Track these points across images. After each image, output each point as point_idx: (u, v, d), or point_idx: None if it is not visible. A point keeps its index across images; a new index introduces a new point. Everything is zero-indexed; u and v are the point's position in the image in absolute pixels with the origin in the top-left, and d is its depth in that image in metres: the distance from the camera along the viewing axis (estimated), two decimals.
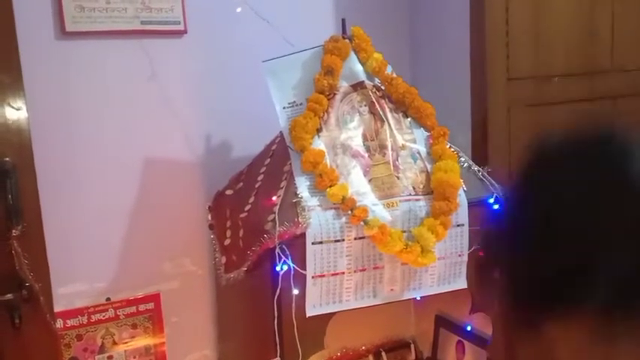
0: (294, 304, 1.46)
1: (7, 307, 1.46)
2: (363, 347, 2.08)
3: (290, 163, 1.56)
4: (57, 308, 1.67)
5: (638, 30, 2.13)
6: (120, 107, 1.80)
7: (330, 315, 1.53)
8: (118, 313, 1.84)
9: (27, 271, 1.47)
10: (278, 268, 1.44)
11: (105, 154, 1.80)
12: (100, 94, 1.78)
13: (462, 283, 1.66)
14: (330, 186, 1.50)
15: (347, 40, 1.68)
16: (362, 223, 1.49)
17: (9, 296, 1.45)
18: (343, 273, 1.52)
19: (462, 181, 1.62)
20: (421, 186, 1.61)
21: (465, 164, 1.71)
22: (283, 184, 1.54)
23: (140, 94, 1.82)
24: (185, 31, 1.84)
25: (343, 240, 1.50)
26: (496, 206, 1.66)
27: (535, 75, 1.95)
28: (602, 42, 2.06)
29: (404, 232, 1.54)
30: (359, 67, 1.69)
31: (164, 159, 1.87)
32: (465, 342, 1.90)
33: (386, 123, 1.64)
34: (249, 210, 1.60)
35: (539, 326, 0.81)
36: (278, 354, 1.49)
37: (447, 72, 2.08)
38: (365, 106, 1.64)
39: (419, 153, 1.66)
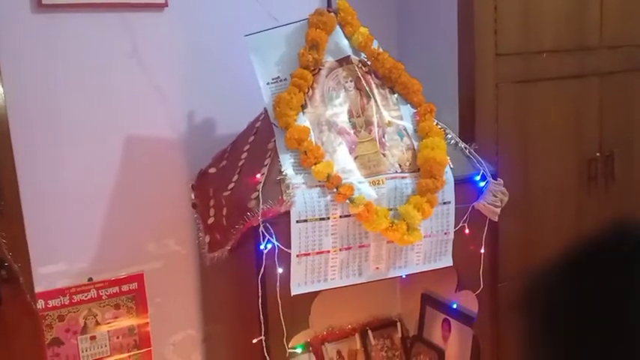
0: (278, 283, 1.45)
1: None
2: (349, 326, 2.08)
3: (274, 141, 1.53)
4: (38, 289, 1.65)
5: (626, 7, 2.11)
6: (100, 83, 1.76)
7: (315, 294, 1.52)
8: (101, 294, 1.81)
9: (5, 251, 1.43)
10: (262, 247, 1.42)
11: (85, 131, 1.76)
12: (79, 70, 1.73)
13: (447, 261, 1.65)
14: (315, 163, 1.47)
15: (332, 14, 1.65)
16: (347, 201, 1.47)
17: None
18: (328, 251, 1.50)
19: (448, 158, 1.60)
20: (407, 163, 1.60)
21: (452, 141, 1.69)
22: (267, 161, 1.51)
23: (120, 70, 1.78)
24: (166, 4, 1.79)
25: (328, 218, 1.48)
26: (482, 183, 1.65)
27: (523, 51, 1.92)
28: (591, 18, 2.03)
29: (390, 210, 1.52)
30: (345, 42, 1.66)
31: (146, 137, 1.84)
32: (451, 320, 1.90)
33: (372, 99, 1.61)
34: (233, 188, 1.58)
35: None
36: (262, 332, 1.47)
37: (434, 48, 2.05)
38: (351, 81, 1.62)
39: (405, 130, 1.64)
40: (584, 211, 2.12)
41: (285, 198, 1.43)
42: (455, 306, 1.87)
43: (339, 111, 1.58)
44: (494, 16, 1.87)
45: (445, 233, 1.63)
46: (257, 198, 1.43)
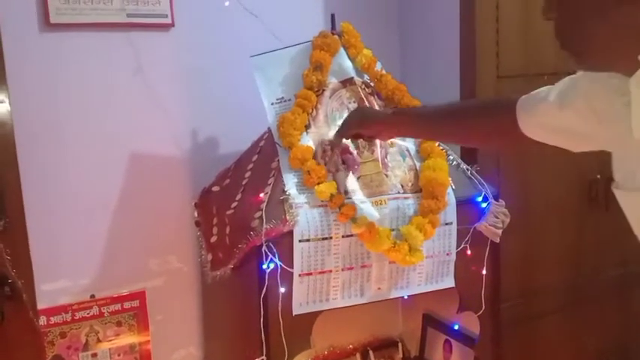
0: (280, 303, 1.45)
1: None
2: (351, 346, 2.07)
3: (278, 160, 1.54)
4: (40, 305, 1.64)
5: None
6: (105, 101, 1.78)
7: (317, 313, 1.52)
8: (103, 311, 1.81)
9: (9, 268, 1.44)
10: (265, 266, 1.43)
11: (90, 149, 1.77)
12: (86, 88, 1.75)
13: (449, 282, 1.65)
14: (318, 183, 1.48)
15: (336, 36, 1.67)
16: (350, 221, 1.47)
17: None
18: (330, 271, 1.50)
19: (450, 179, 1.61)
20: (410, 184, 1.60)
21: (454, 162, 1.70)
22: (271, 180, 1.52)
23: (126, 89, 1.80)
24: (172, 25, 1.82)
25: (331, 238, 1.49)
26: (484, 205, 1.66)
27: (525, 73, 1.94)
28: None
29: (392, 230, 1.53)
30: (348, 64, 1.68)
31: (150, 154, 1.85)
32: (453, 341, 1.89)
33: None
34: (236, 207, 1.58)
35: None
36: (264, 353, 1.47)
37: (436, 69, 2.07)
38: (354, 102, 1.63)
39: (408, 151, 1.65)
40: (584, 232, 2.13)
41: (288, 217, 1.44)
42: (456, 327, 1.86)
43: None
44: (495, 38, 1.89)
45: (447, 254, 1.63)
46: (260, 217, 1.44)
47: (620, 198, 0.97)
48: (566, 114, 1.06)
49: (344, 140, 1.51)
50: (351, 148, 1.57)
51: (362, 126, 1.44)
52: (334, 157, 1.49)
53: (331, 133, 1.58)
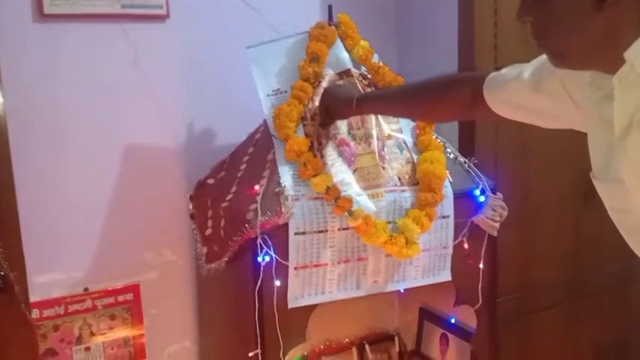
0: (275, 296, 1.44)
1: None
2: (347, 340, 2.06)
3: (273, 152, 1.53)
4: (33, 298, 1.64)
5: None
6: (100, 93, 1.76)
7: (313, 307, 1.51)
8: (96, 304, 1.80)
9: (1, 260, 1.42)
10: (260, 259, 1.42)
11: (84, 141, 1.75)
12: (80, 80, 1.73)
13: (446, 276, 1.65)
14: (315, 175, 1.47)
15: (333, 27, 1.65)
16: (346, 213, 1.46)
17: None
18: (326, 264, 1.49)
19: (447, 172, 1.60)
20: (407, 177, 1.59)
21: (451, 155, 1.69)
22: (266, 173, 1.51)
23: (121, 80, 1.78)
24: (167, 16, 1.80)
25: (327, 231, 1.47)
26: (481, 198, 1.65)
27: None
28: None
29: (389, 223, 1.52)
30: (345, 55, 1.66)
31: (145, 147, 1.83)
32: (449, 335, 1.88)
33: None
34: (231, 199, 1.57)
35: None
36: (259, 346, 1.46)
37: (434, 62, 2.06)
38: None
39: (405, 143, 1.64)
40: (583, 226, 2.12)
41: (283, 210, 1.42)
42: (453, 321, 1.86)
43: (339, 123, 1.58)
44: (494, 31, 1.87)
45: (444, 247, 1.62)
46: (255, 209, 1.42)
47: (598, 187, 0.98)
48: (539, 97, 1.09)
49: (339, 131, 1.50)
50: (348, 139, 1.56)
51: (329, 113, 1.52)
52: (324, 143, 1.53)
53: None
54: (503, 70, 1.17)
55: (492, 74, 1.18)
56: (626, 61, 0.84)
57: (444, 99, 1.30)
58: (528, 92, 1.10)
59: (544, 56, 1.04)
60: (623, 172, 0.89)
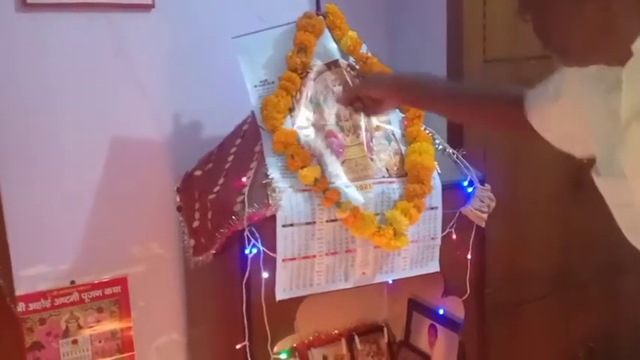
0: (263, 288, 1.44)
1: None
2: (336, 331, 2.06)
3: (261, 144, 1.52)
4: (18, 291, 1.61)
5: None
6: (85, 84, 1.73)
7: (301, 299, 1.50)
8: (83, 297, 1.78)
9: None
10: (247, 251, 1.41)
11: (70, 132, 1.73)
12: (64, 71, 1.70)
13: (434, 267, 1.65)
14: (302, 167, 1.46)
15: (321, 17, 1.64)
16: (334, 205, 1.45)
17: None
18: (314, 256, 1.49)
19: (436, 163, 1.60)
20: (395, 168, 1.59)
21: (440, 147, 1.68)
22: (254, 164, 1.50)
23: (106, 71, 1.75)
24: (153, 5, 1.77)
25: (315, 222, 1.47)
26: (470, 189, 1.64)
27: (512, 57, 1.92)
28: None
29: (377, 214, 1.51)
30: (333, 45, 1.65)
31: (131, 138, 1.81)
32: (438, 325, 1.89)
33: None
34: (219, 191, 1.56)
35: None
36: (247, 338, 1.46)
37: (423, 52, 2.05)
38: (339, 85, 1.61)
39: (393, 134, 1.63)
40: (571, 217, 2.13)
41: (271, 202, 1.42)
42: (441, 312, 1.86)
43: (327, 114, 1.57)
44: (482, 22, 1.87)
45: (432, 238, 1.62)
46: (242, 201, 1.42)
47: (600, 185, 0.98)
48: (559, 110, 1.12)
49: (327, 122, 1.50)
50: (336, 131, 1.55)
51: (369, 85, 1.46)
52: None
53: (315, 116, 1.55)
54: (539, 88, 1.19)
55: (530, 92, 1.21)
56: (633, 53, 0.85)
57: (491, 118, 1.34)
58: (553, 107, 1.14)
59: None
60: (624, 164, 0.89)
